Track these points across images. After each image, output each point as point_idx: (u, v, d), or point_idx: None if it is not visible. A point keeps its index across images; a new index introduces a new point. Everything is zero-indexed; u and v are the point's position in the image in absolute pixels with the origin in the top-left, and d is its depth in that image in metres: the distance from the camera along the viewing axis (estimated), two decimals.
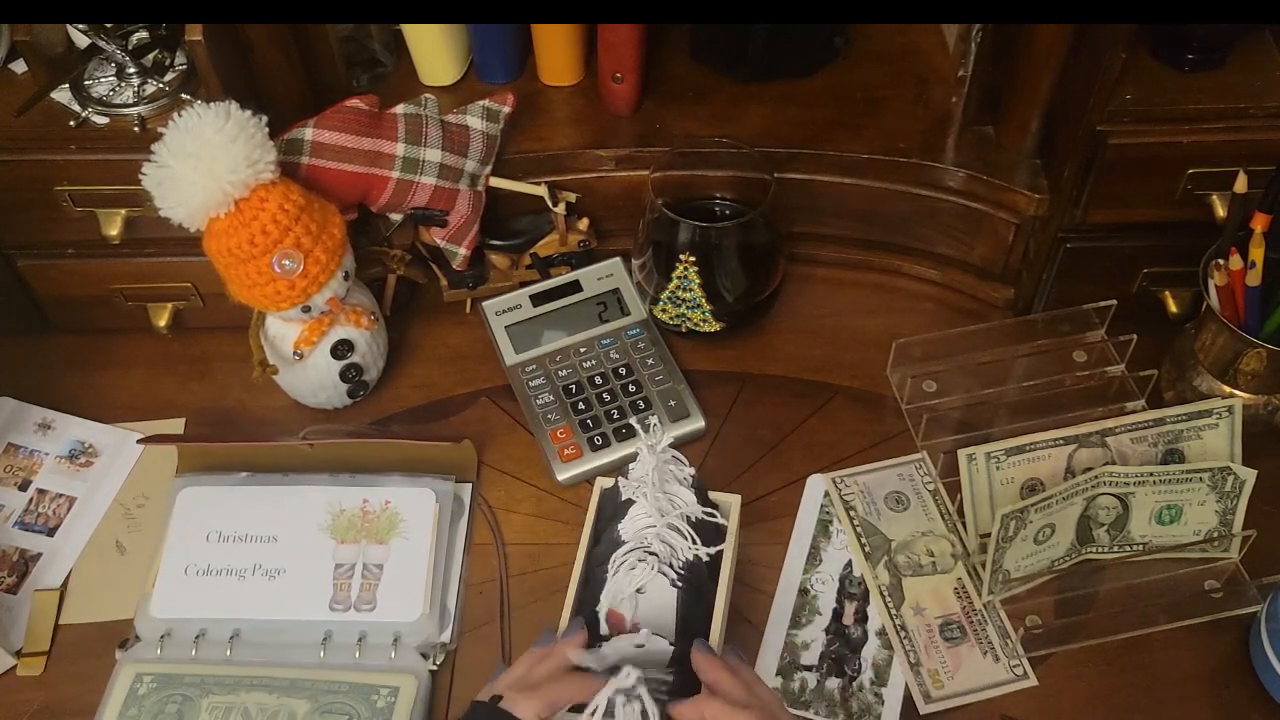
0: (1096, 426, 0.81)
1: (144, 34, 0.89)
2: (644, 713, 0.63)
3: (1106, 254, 0.92)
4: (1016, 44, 0.85)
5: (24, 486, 0.90)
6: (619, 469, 0.79)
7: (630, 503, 0.74)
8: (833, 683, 0.78)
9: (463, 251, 0.93)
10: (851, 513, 0.86)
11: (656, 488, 0.72)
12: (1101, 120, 0.82)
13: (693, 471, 0.75)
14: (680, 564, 0.72)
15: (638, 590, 0.72)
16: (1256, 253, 0.79)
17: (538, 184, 0.93)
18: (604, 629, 0.72)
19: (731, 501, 0.78)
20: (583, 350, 0.94)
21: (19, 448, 0.92)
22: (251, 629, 0.80)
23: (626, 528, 0.73)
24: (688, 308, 0.91)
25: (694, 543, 0.73)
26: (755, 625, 0.81)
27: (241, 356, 0.89)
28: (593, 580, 0.74)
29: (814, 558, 0.84)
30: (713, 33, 0.98)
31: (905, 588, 0.82)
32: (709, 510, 0.74)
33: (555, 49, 0.96)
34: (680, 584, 0.71)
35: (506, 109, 0.91)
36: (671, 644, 0.70)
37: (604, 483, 0.78)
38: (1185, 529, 0.82)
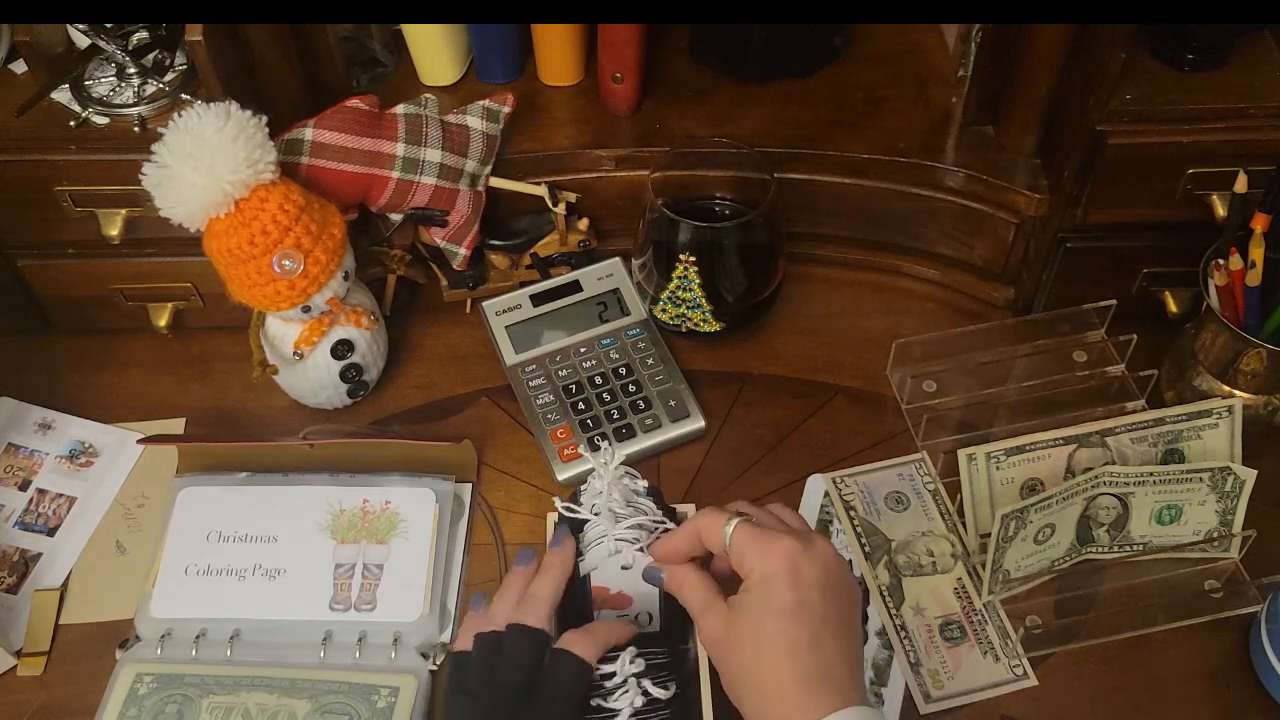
0: (1096, 426, 0.81)
1: (144, 34, 0.89)
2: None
3: (1106, 254, 0.91)
4: (1016, 44, 0.85)
5: (24, 486, 0.90)
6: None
7: (586, 521, 0.74)
8: None
9: (463, 251, 0.93)
10: (851, 513, 0.85)
11: (616, 503, 0.73)
12: (1101, 120, 0.82)
13: (646, 483, 0.75)
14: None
15: (623, 567, 0.72)
16: (1256, 253, 0.79)
17: (538, 184, 0.93)
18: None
19: (689, 510, 0.79)
20: (583, 350, 0.94)
21: (19, 448, 0.92)
22: (251, 629, 0.80)
23: (587, 534, 0.74)
24: (688, 308, 0.91)
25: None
26: None
27: (241, 356, 0.89)
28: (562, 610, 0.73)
29: None
30: (713, 33, 0.98)
31: (905, 588, 0.82)
32: (665, 521, 0.74)
33: (555, 49, 0.96)
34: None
35: (506, 109, 0.91)
36: (654, 618, 0.70)
37: (554, 517, 0.78)
38: (1185, 529, 0.82)
